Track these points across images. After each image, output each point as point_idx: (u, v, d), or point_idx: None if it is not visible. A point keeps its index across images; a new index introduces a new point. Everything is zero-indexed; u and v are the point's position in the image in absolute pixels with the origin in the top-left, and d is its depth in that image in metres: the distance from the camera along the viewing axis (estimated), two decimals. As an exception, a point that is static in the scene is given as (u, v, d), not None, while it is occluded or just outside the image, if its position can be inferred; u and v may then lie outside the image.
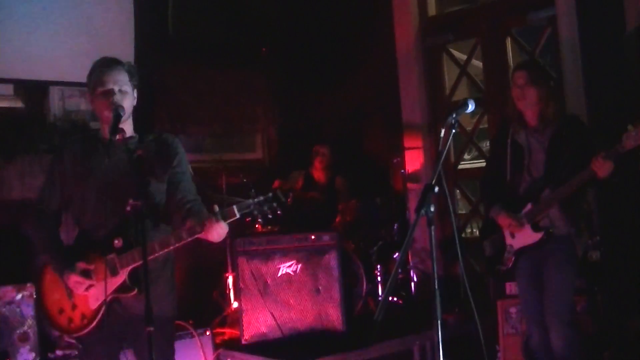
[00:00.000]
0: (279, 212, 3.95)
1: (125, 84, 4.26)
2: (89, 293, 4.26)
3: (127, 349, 4.69)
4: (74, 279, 4.25)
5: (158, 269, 4.30)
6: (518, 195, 5.31)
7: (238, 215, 3.98)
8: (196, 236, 4.07)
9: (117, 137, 4.15)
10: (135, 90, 4.36)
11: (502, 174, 5.43)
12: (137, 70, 4.40)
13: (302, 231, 7.11)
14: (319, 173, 8.90)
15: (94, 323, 4.25)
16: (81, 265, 4.25)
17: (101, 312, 4.23)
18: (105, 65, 4.28)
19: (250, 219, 4.06)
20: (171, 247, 4.14)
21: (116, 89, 4.21)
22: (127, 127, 4.35)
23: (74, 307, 4.32)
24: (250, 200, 3.96)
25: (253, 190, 4.02)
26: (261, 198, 3.96)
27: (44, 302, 4.48)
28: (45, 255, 4.46)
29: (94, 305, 4.25)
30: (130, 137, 4.34)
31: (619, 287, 6.58)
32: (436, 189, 3.69)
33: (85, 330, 4.28)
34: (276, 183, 8.65)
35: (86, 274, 4.25)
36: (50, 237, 4.44)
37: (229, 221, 4.01)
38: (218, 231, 4.00)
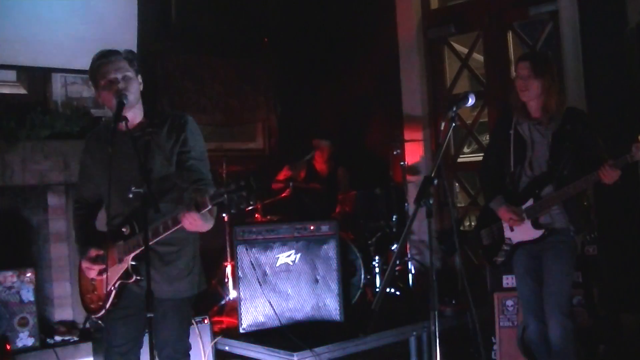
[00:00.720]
0: (251, 202, 3.82)
1: (127, 70, 4.26)
2: (103, 277, 4.39)
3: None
4: (85, 264, 4.43)
5: (172, 252, 4.36)
6: (519, 188, 5.32)
7: (210, 206, 3.88)
8: (179, 225, 4.05)
9: (122, 125, 4.15)
10: (139, 75, 4.37)
11: (503, 164, 5.43)
12: (135, 55, 4.41)
13: (301, 221, 7.13)
14: (320, 165, 8.93)
15: (107, 306, 4.39)
16: (92, 251, 4.40)
17: (111, 297, 4.34)
18: (103, 57, 4.29)
19: (224, 208, 3.94)
20: (162, 235, 4.14)
21: (119, 76, 4.23)
22: (137, 112, 4.36)
23: (94, 289, 4.51)
24: (222, 189, 3.82)
25: (228, 180, 3.93)
26: (231, 187, 3.78)
27: (79, 284, 4.67)
28: (76, 241, 4.68)
29: (105, 289, 4.39)
30: (139, 123, 4.35)
31: (615, 282, 6.62)
32: (435, 181, 3.72)
33: (101, 313, 4.45)
34: (285, 169, 8.69)
35: (97, 259, 4.38)
36: (80, 227, 4.64)
37: (202, 211, 3.92)
38: (190, 221, 3.96)
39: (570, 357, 5.14)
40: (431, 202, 3.68)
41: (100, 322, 4.60)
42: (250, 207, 3.95)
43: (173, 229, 4.10)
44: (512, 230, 5.35)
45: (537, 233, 5.22)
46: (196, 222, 3.97)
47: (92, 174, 4.51)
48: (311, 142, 8.92)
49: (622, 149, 4.78)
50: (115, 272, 4.31)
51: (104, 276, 4.37)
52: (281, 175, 8.74)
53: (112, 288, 4.34)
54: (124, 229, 4.25)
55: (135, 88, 4.29)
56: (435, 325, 3.68)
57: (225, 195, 3.81)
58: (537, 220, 5.21)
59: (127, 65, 4.29)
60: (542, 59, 5.47)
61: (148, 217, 3.98)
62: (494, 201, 5.42)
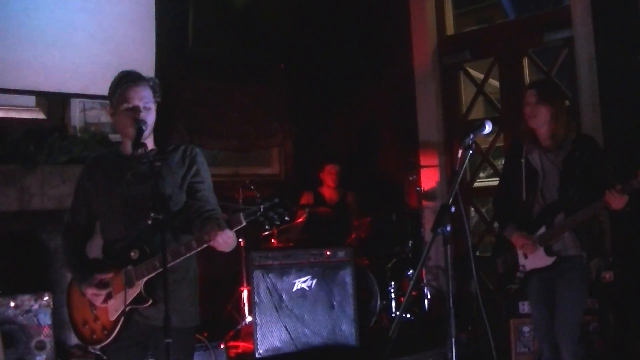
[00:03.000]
0: (286, 217, 3.87)
1: (150, 101, 4.25)
2: (108, 305, 4.30)
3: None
4: (91, 291, 4.30)
5: (177, 280, 4.30)
6: (532, 216, 5.34)
7: (244, 223, 3.87)
8: (205, 245, 4.04)
9: (140, 151, 4.16)
10: (156, 105, 4.39)
11: (515, 193, 5.45)
12: (159, 86, 4.41)
13: (317, 247, 7.15)
14: (330, 191, 8.95)
15: (114, 334, 4.27)
16: (98, 277, 4.30)
17: (120, 324, 4.27)
18: (131, 81, 4.26)
19: (258, 226, 3.97)
20: (182, 257, 4.13)
21: (141, 105, 4.23)
22: (149, 141, 4.37)
23: (95, 319, 4.36)
24: (257, 207, 3.84)
25: (259, 198, 3.96)
26: (267, 204, 3.82)
27: (71, 314, 4.54)
28: (69, 269, 4.55)
29: (113, 316, 4.28)
30: (151, 150, 4.37)
31: (631, 308, 6.60)
32: (453, 208, 3.73)
33: (106, 342, 4.32)
34: (306, 195, 8.70)
35: (103, 285, 4.30)
36: (74, 251, 4.50)
37: (235, 229, 3.93)
38: (224, 239, 3.94)
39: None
40: (448, 229, 3.69)
41: (100, 352, 4.55)
42: (285, 224, 3.97)
43: (197, 249, 4.11)
44: (525, 257, 5.37)
45: (549, 260, 5.24)
46: (229, 240, 3.97)
47: (89, 200, 4.43)
48: (323, 166, 8.95)
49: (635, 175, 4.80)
50: (127, 297, 4.20)
51: (109, 303, 4.29)
52: (303, 200, 8.75)
53: (121, 315, 4.25)
54: (132, 253, 4.24)
55: (152, 119, 4.28)
56: (452, 351, 3.68)
57: (260, 212, 3.83)
58: (550, 247, 5.23)
59: (150, 95, 4.28)
60: (550, 86, 5.52)
61: (161, 242, 3.97)
62: (507, 229, 5.44)
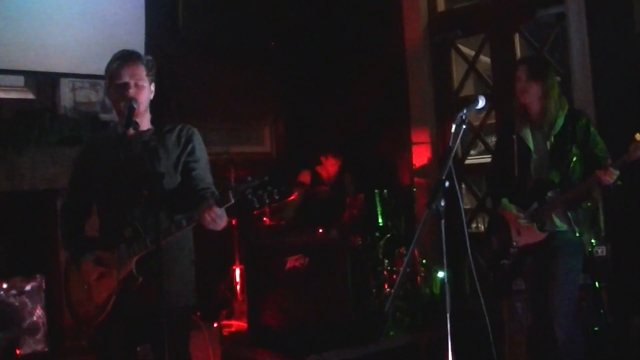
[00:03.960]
0: (276, 196, 3.87)
1: (142, 79, 4.27)
2: (101, 283, 4.30)
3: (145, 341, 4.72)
4: (85, 267, 4.34)
5: (172, 259, 4.30)
6: (524, 192, 5.34)
7: (233, 201, 3.89)
8: (194, 223, 4.06)
9: (131, 130, 4.16)
10: (153, 84, 4.38)
11: (508, 169, 5.46)
12: (154, 64, 4.40)
13: (310, 226, 7.13)
14: (328, 175, 8.91)
15: (105, 312, 4.30)
16: (93, 254, 4.34)
17: (112, 302, 4.27)
18: (123, 58, 4.30)
19: (247, 204, 3.95)
20: (173, 234, 4.13)
21: (132, 82, 4.23)
22: (144, 120, 4.37)
23: (89, 297, 4.39)
24: (245, 185, 3.86)
25: (249, 177, 3.95)
26: (257, 182, 3.85)
27: (66, 293, 4.57)
28: (66, 247, 4.58)
29: (105, 294, 4.29)
30: (147, 130, 4.37)
31: (624, 284, 6.61)
32: (447, 183, 3.72)
33: (98, 320, 4.34)
34: (304, 175, 8.65)
35: (98, 262, 4.31)
36: (72, 230, 4.56)
37: (224, 206, 3.94)
38: (213, 217, 3.95)
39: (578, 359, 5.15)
40: (443, 204, 3.68)
41: (94, 331, 4.55)
42: (276, 202, 3.96)
43: (187, 227, 4.11)
44: (519, 234, 5.37)
45: (542, 236, 5.25)
46: (218, 218, 3.98)
47: (87, 179, 4.46)
48: (319, 157, 8.91)
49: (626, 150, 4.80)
50: (116, 277, 4.25)
51: (102, 281, 4.30)
52: (300, 179, 8.70)
53: (113, 293, 4.28)
54: (125, 232, 4.23)
55: (145, 97, 4.31)
56: (447, 328, 3.68)
57: (250, 190, 3.84)
58: (542, 223, 5.23)
59: (143, 73, 4.29)
60: (540, 62, 5.54)
61: (155, 222, 3.96)
62: (500, 205, 5.45)
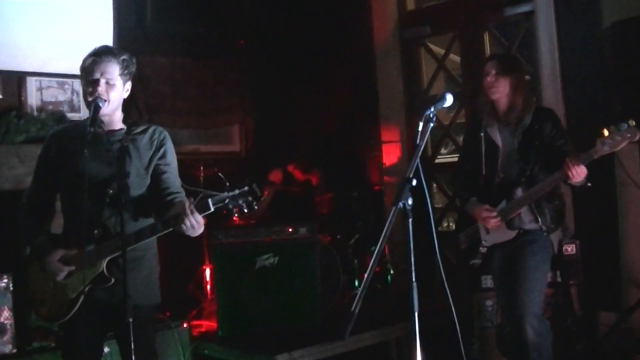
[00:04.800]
0: (255, 206, 3.89)
1: (114, 77, 4.21)
2: (67, 282, 4.26)
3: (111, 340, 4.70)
4: (53, 265, 4.27)
5: (138, 259, 4.28)
6: (492, 190, 5.35)
7: (212, 209, 3.91)
8: (170, 228, 4.04)
9: (95, 128, 4.11)
10: (129, 83, 4.34)
11: (475, 167, 5.46)
12: (132, 62, 4.35)
13: (279, 224, 7.11)
14: (297, 173, 8.88)
15: (72, 312, 4.25)
16: (60, 252, 4.28)
17: (79, 302, 4.23)
18: (97, 55, 4.24)
19: (225, 212, 4.00)
20: (147, 239, 4.13)
21: (102, 80, 4.18)
22: (115, 118, 4.33)
23: (53, 296, 4.33)
24: (225, 194, 3.89)
25: (228, 184, 3.96)
26: (236, 192, 3.87)
27: (28, 290, 4.51)
28: (30, 244, 4.47)
29: (72, 294, 4.25)
30: (119, 130, 4.33)
31: (592, 280, 6.65)
32: (414, 182, 3.70)
33: (64, 319, 4.29)
34: (274, 172, 8.62)
35: (65, 261, 4.26)
36: (35, 227, 4.45)
37: (203, 214, 3.94)
38: (192, 224, 3.93)
39: (546, 356, 5.16)
40: (410, 202, 3.66)
41: (59, 329, 4.52)
42: (254, 211, 3.97)
43: (163, 232, 4.09)
44: (487, 232, 5.38)
45: (511, 234, 5.26)
46: (196, 225, 3.96)
47: (52, 172, 4.40)
48: (287, 168, 8.87)
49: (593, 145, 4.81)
50: (88, 276, 4.17)
51: (68, 281, 4.26)
52: (271, 178, 8.66)
53: (80, 293, 4.23)
54: (95, 232, 4.20)
55: (115, 95, 4.24)
56: (415, 326, 3.67)
57: (229, 199, 3.86)
58: (511, 221, 5.24)
59: (116, 70, 4.23)
60: (509, 58, 5.57)
61: (123, 221, 3.94)
62: (468, 203, 5.46)
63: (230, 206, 3.88)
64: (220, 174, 7.53)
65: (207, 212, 3.94)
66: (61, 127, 4.65)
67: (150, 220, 4.26)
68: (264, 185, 8.25)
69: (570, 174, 4.82)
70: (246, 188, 3.87)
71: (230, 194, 3.87)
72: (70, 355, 4.42)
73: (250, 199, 3.88)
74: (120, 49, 4.42)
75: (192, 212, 3.91)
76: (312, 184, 8.87)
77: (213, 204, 3.91)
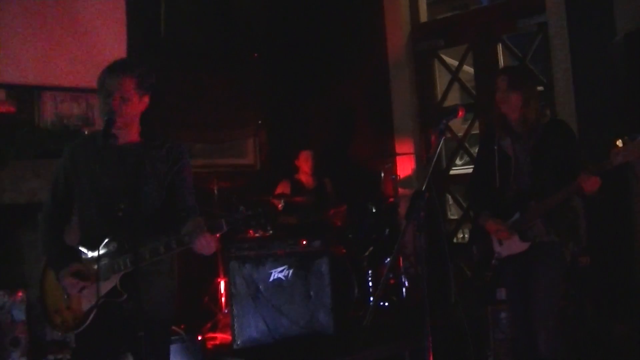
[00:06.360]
0: (268, 229, 3.93)
1: (129, 91, 4.20)
2: (82, 294, 4.27)
3: (126, 352, 4.70)
4: (67, 280, 4.26)
5: (154, 273, 4.26)
6: (506, 202, 5.34)
7: (225, 229, 3.93)
8: (185, 247, 4.04)
9: (108, 142, 4.12)
10: (147, 96, 4.33)
11: (489, 180, 5.45)
12: (150, 74, 4.32)
13: (293, 237, 7.12)
14: (307, 177, 8.91)
15: (84, 325, 4.25)
16: (74, 266, 4.27)
17: (92, 315, 4.23)
18: (112, 70, 4.23)
19: (238, 231, 4.01)
20: (161, 256, 4.12)
21: (117, 95, 4.17)
22: (131, 132, 4.31)
23: (68, 307, 4.33)
24: (239, 216, 3.90)
25: (242, 208, 3.96)
26: (250, 213, 3.88)
27: (43, 301, 4.50)
28: (46, 256, 4.49)
29: (85, 307, 4.25)
30: (135, 143, 4.33)
31: (606, 293, 6.62)
32: (426, 195, 3.71)
33: (76, 331, 4.30)
34: (282, 184, 8.63)
35: (79, 275, 4.26)
36: (52, 239, 4.45)
37: (216, 234, 3.96)
38: (205, 243, 3.96)
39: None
40: (422, 215, 3.66)
41: (74, 340, 4.53)
42: (267, 233, 4.01)
43: (176, 250, 4.10)
44: (500, 244, 5.36)
45: (524, 246, 5.23)
46: (210, 245, 3.98)
47: (70, 183, 4.40)
48: (298, 153, 8.93)
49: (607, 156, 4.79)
50: (102, 290, 4.17)
51: (83, 293, 4.25)
52: (278, 190, 8.69)
53: (94, 306, 4.20)
54: (110, 246, 4.20)
55: (131, 110, 4.23)
56: (428, 338, 3.67)
57: (242, 221, 3.90)
58: (525, 233, 5.22)
59: (131, 85, 4.20)
60: (521, 72, 5.54)
61: (137, 236, 3.95)
62: (481, 216, 5.44)
63: (244, 228, 3.90)
64: (233, 197, 7.56)
65: (221, 232, 3.96)
66: (76, 141, 4.64)
67: (169, 237, 4.25)
68: (273, 198, 8.27)
69: (584, 185, 4.81)
70: (260, 210, 3.88)
71: (244, 216, 3.87)
72: None
73: (263, 221, 3.89)
74: (137, 62, 4.39)
75: (205, 232, 3.94)
76: (325, 191, 8.87)
77: (226, 224, 3.93)
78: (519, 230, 5.21)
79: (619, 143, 4.73)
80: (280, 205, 8.20)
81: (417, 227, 3.70)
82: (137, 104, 4.28)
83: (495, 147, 5.40)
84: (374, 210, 8.33)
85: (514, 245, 5.26)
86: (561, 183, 5.03)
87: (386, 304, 7.96)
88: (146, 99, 4.34)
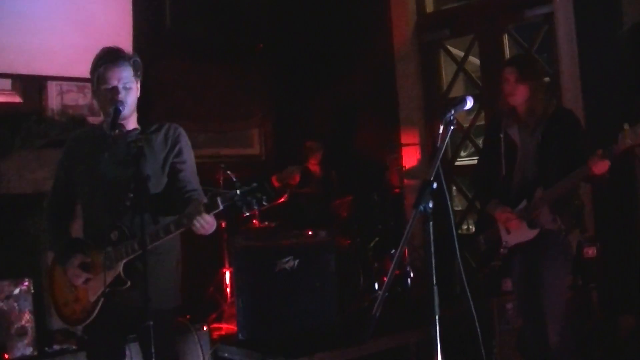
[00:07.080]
0: (264, 203, 3.85)
1: (130, 81, 4.21)
2: (88, 285, 4.28)
3: (133, 342, 4.72)
4: (72, 271, 4.29)
5: (159, 261, 4.27)
6: (512, 191, 5.33)
7: (221, 207, 3.87)
8: (183, 229, 4.03)
9: (116, 132, 4.13)
10: (139, 83, 4.33)
11: (496, 168, 5.44)
12: (140, 64, 4.34)
13: (299, 227, 7.12)
14: (314, 167, 8.92)
15: (93, 315, 4.26)
16: (79, 257, 4.29)
17: (99, 305, 4.24)
18: (109, 60, 4.22)
19: (235, 210, 3.95)
20: (161, 240, 4.11)
21: (120, 86, 4.17)
22: (132, 120, 4.32)
23: (76, 299, 4.36)
24: (234, 191, 3.82)
25: (237, 182, 3.93)
26: (245, 188, 3.80)
27: (52, 294, 4.53)
28: (52, 248, 4.53)
29: (92, 297, 4.26)
30: (133, 130, 4.33)
31: (613, 284, 6.61)
32: (434, 184, 3.69)
33: (86, 322, 4.31)
34: (273, 179, 8.64)
35: (84, 266, 4.27)
36: (57, 230, 4.49)
37: (212, 213, 3.91)
38: (202, 223, 3.92)
39: (568, 360, 5.15)
40: (431, 205, 3.64)
41: (82, 332, 4.55)
42: (264, 207, 3.93)
43: (175, 233, 4.08)
44: (508, 233, 5.35)
45: (532, 233, 5.22)
46: (207, 225, 3.95)
47: (71, 178, 4.42)
48: (303, 145, 8.93)
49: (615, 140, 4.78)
50: (103, 280, 4.17)
51: (89, 284, 4.27)
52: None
53: (101, 296, 4.22)
54: (111, 235, 4.19)
55: (132, 98, 4.25)
56: (436, 329, 3.65)
57: (238, 196, 3.81)
58: (532, 221, 5.22)
59: (130, 74, 4.23)
60: (528, 63, 5.51)
61: (140, 224, 3.94)
62: (489, 205, 5.43)
63: (239, 204, 3.81)
64: (229, 172, 7.55)
65: (216, 211, 3.90)
66: (79, 131, 4.64)
67: (168, 220, 4.25)
68: (281, 187, 8.26)
69: (594, 167, 4.78)
70: (255, 184, 3.81)
71: (239, 191, 3.82)
72: (94, 357, 4.45)
73: (259, 195, 3.80)
74: (126, 51, 4.39)
75: (201, 212, 3.91)
76: (331, 182, 8.87)
77: (221, 202, 3.87)
78: (526, 217, 5.20)
79: (627, 127, 4.72)
80: (286, 196, 8.19)
81: (424, 217, 3.69)
82: (136, 91, 4.32)
83: (502, 135, 5.39)
84: (379, 201, 8.33)
85: (521, 234, 5.25)
86: (567, 171, 5.02)
87: (391, 294, 7.95)
88: (139, 86, 4.36)
